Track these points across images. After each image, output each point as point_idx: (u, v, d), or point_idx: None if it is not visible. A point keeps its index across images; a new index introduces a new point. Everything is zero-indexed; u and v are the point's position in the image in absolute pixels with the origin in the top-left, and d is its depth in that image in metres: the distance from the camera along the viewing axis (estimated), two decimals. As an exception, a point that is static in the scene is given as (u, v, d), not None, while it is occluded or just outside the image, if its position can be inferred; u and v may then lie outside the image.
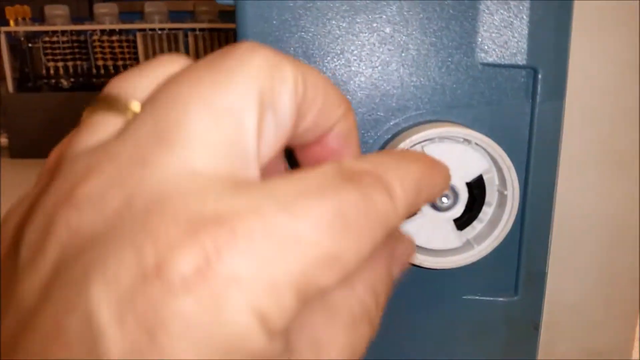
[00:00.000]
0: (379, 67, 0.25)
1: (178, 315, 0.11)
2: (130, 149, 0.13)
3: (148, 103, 0.14)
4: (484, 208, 0.24)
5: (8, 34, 1.04)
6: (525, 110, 0.25)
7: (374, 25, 0.25)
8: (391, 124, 0.25)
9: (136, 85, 0.15)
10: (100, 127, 0.14)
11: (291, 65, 0.15)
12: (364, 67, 0.25)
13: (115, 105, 0.15)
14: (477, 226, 0.25)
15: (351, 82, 0.25)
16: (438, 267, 0.24)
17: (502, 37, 0.25)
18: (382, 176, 0.15)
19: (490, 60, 0.25)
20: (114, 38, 1.05)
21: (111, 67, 1.06)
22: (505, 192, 0.24)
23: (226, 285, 0.11)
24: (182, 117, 0.13)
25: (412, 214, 0.24)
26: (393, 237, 0.19)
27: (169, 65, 0.16)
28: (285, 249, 0.12)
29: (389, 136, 0.25)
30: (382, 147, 0.25)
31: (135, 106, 0.14)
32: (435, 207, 0.23)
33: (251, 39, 0.24)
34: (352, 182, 0.14)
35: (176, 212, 0.12)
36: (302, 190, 0.13)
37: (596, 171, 0.26)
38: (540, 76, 0.25)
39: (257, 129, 0.14)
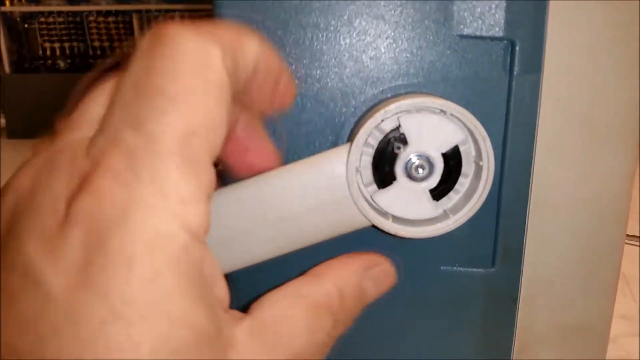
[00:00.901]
0: (355, 38, 0.25)
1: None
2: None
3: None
4: (460, 179, 0.24)
5: (4, 14, 1.04)
6: (503, 83, 0.25)
7: (351, -4, 0.25)
8: (367, 96, 0.25)
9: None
10: None
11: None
12: (340, 38, 0.25)
13: None
14: (453, 197, 0.25)
15: (327, 53, 0.25)
16: (412, 237, 0.24)
17: (479, 8, 0.25)
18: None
19: (467, 32, 0.25)
20: (110, 19, 1.04)
21: (107, 48, 1.05)
22: (481, 163, 0.24)
23: None
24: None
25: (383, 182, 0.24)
26: (369, 258, 0.22)
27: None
28: None
29: (365, 108, 0.25)
30: (358, 120, 0.25)
31: None
32: (410, 177, 0.24)
33: (230, 12, 0.24)
34: None
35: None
36: None
37: (575, 145, 0.26)
38: (517, 48, 0.25)
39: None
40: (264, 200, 0.23)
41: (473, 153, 0.24)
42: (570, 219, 0.27)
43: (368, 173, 0.24)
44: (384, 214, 0.24)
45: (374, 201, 0.24)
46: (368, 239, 0.27)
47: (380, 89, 0.25)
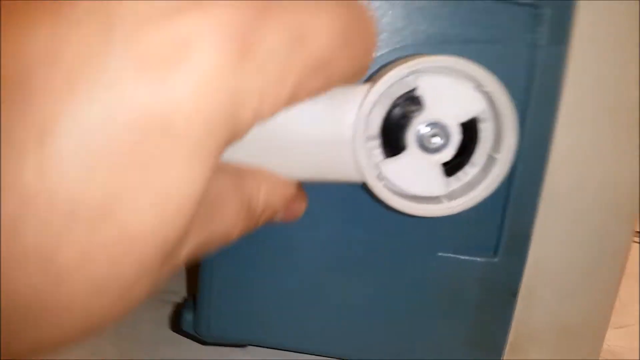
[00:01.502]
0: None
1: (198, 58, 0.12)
2: None
3: None
4: (475, 156, 0.22)
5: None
6: (527, 53, 0.23)
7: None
8: (383, 52, 0.22)
9: None
10: None
11: None
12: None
13: None
14: (463, 176, 0.22)
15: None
16: (412, 213, 0.21)
17: (510, -33, 0.22)
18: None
19: (493, -8, 0.22)
20: None
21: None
22: (502, 141, 0.21)
23: (252, 52, 0.12)
24: None
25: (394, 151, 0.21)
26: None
27: None
28: (300, 41, 0.13)
29: (377, 67, 0.22)
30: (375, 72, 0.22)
31: None
32: (423, 147, 0.21)
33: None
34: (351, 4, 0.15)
35: None
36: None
37: (596, 127, 0.24)
38: (544, 16, 0.23)
39: None
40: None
41: (489, 118, 0.22)
42: (581, 207, 0.25)
43: (376, 128, 0.21)
44: (379, 176, 0.21)
45: (381, 170, 0.21)
46: (367, 216, 0.25)
47: (400, 45, 0.22)
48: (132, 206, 0.11)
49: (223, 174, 0.16)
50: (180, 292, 0.42)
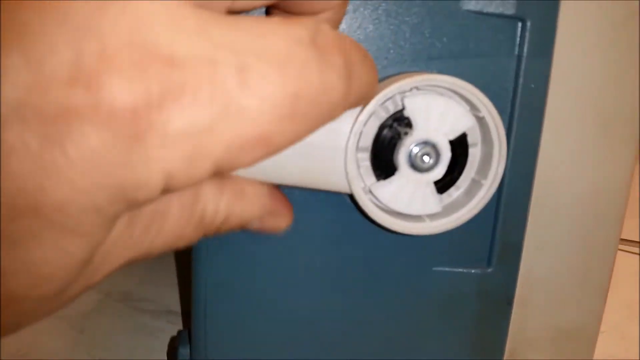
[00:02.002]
0: (355, 13, 0.22)
1: (82, 138, 0.10)
2: None
3: None
4: (466, 171, 0.22)
5: None
6: (511, 66, 0.23)
7: (351, -42, 0.21)
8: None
9: None
10: None
11: None
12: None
13: None
14: (449, 196, 0.22)
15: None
16: (408, 233, 0.21)
17: (492, -19, 0.22)
18: (350, 61, 0.14)
19: (475, 7, 0.22)
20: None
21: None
22: (491, 151, 0.21)
23: (151, 135, 0.11)
24: None
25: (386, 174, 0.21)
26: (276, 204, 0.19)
27: None
28: (224, 120, 0.11)
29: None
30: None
31: None
32: (414, 167, 0.21)
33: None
34: (320, 62, 0.13)
35: (131, 35, 0.10)
36: (267, 52, 0.12)
37: (582, 139, 0.24)
38: (528, 29, 0.23)
39: None
40: None
41: (478, 141, 0.22)
42: (571, 215, 0.25)
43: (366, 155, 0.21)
44: (365, 189, 0.21)
45: (373, 194, 0.21)
46: (359, 235, 0.25)
47: (381, 66, 0.22)
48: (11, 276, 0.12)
49: None
50: (155, 300, 0.41)
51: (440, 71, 0.23)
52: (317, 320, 0.26)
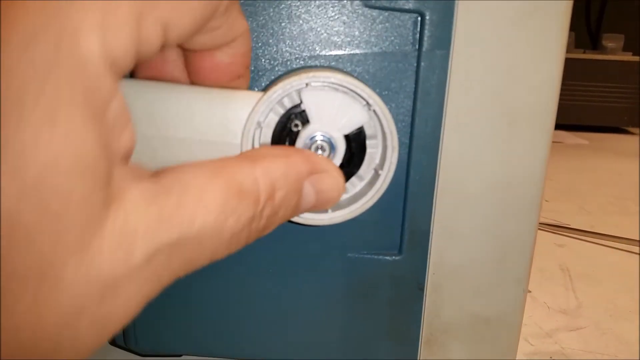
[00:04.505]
0: (262, 12, 0.23)
1: None
2: None
3: None
4: (364, 166, 0.23)
5: None
6: (412, 59, 0.24)
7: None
8: (279, 74, 0.23)
9: None
10: None
11: None
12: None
13: None
14: (353, 187, 0.23)
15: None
16: (307, 224, 0.22)
17: (387, -24, 0.23)
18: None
19: (374, 2, 0.23)
20: None
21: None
22: (386, 147, 0.22)
23: None
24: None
25: None
26: (318, 161, 0.18)
27: None
28: None
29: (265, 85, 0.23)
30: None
31: None
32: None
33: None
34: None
35: None
36: None
37: (486, 127, 0.25)
38: (427, 22, 0.23)
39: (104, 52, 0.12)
40: (164, 110, 0.20)
41: (377, 133, 0.23)
42: (480, 205, 0.26)
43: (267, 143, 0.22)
44: None
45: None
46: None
47: (291, 57, 0.23)
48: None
49: (192, 166, 0.15)
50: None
51: (343, 66, 0.24)
52: (234, 308, 0.27)
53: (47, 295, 0.11)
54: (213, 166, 0.15)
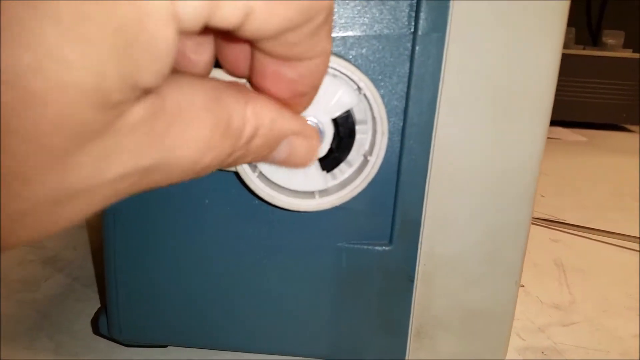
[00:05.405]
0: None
1: None
2: None
3: None
4: (353, 151, 0.22)
5: None
6: (406, 42, 0.23)
7: None
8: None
9: None
10: None
11: None
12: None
13: None
14: (342, 173, 0.22)
15: None
16: (293, 209, 0.21)
17: (381, -44, 0.22)
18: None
19: (369, -17, 0.22)
20: None
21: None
22: (375, 132, 0.21)
23: None
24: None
25: None
26: (305, 127, 0.17)
27: None
28: None
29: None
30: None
31: None
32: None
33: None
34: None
35: None
36: None
37: (481, 114, 0.24)
38: (423, 4, 0.23)
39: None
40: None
41: (367, 119, 0.22)
42: (473, 194, 0.25)
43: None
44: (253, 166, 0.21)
45: (258, 167, 0.21)
46: (264, 211, 0.25)
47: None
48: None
49: (191, 86, 0.15)
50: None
51: (336, 49, 0.23)
52: (221, 298, 0.27)
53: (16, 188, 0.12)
54: (212, 94, 0.15)
